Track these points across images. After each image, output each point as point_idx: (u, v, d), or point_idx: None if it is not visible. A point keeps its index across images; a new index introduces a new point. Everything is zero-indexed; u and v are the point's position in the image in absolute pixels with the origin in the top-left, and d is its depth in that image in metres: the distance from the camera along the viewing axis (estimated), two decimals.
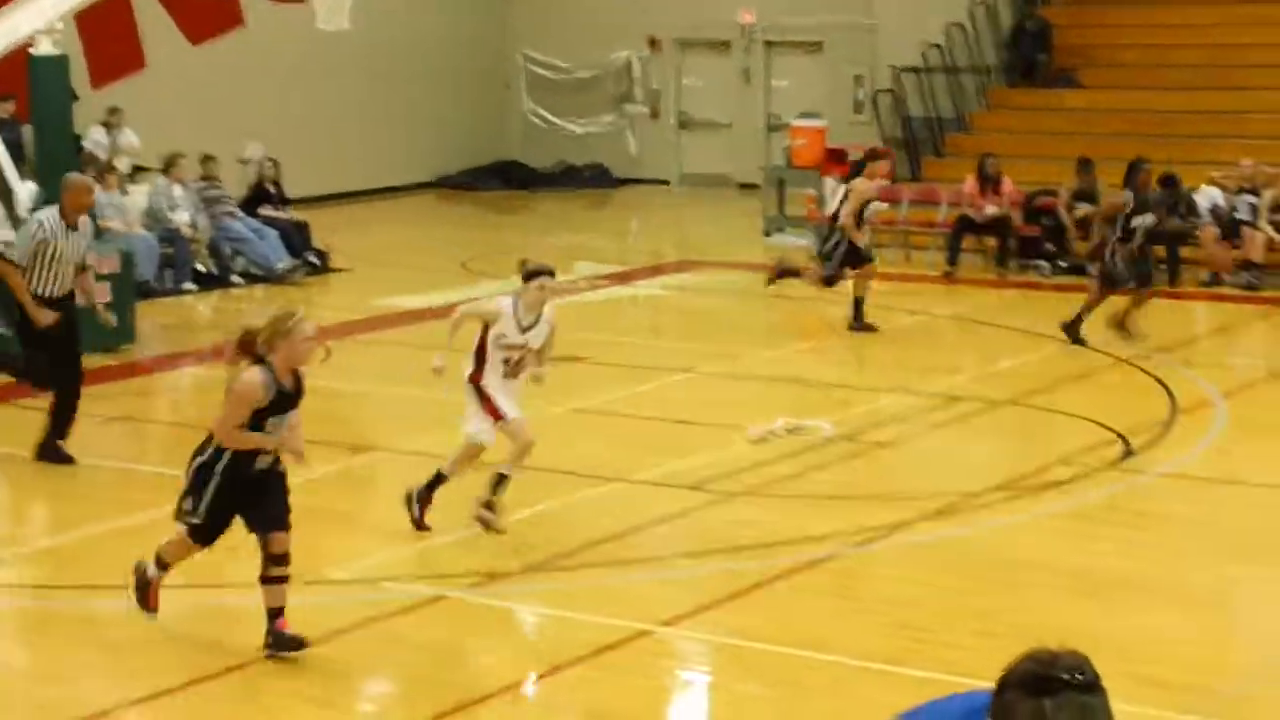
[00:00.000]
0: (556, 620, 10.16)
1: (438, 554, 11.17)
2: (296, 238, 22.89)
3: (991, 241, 22.97)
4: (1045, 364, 16.91)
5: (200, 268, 21.89)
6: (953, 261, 22.48)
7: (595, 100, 33.02)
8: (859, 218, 18.54)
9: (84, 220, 13.56)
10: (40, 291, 13.25)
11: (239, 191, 23.59)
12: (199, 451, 9.27)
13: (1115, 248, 17.17)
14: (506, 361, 11.09)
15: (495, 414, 11.10)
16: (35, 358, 13.40)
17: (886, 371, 16.96)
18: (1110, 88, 26.23)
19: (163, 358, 17.89)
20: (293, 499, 9.38)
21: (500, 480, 11.21)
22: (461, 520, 11.39)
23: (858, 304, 18.58)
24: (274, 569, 9.24)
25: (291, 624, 9.30)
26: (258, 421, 9.09)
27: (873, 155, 19.17)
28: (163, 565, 9.58)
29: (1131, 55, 26.72)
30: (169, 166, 21.85)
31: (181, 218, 21.60)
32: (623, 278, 22.89)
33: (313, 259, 22.78)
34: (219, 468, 9.15)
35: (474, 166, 32.61)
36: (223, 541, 9.48)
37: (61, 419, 13.35)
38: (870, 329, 18.46)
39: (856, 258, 18.60)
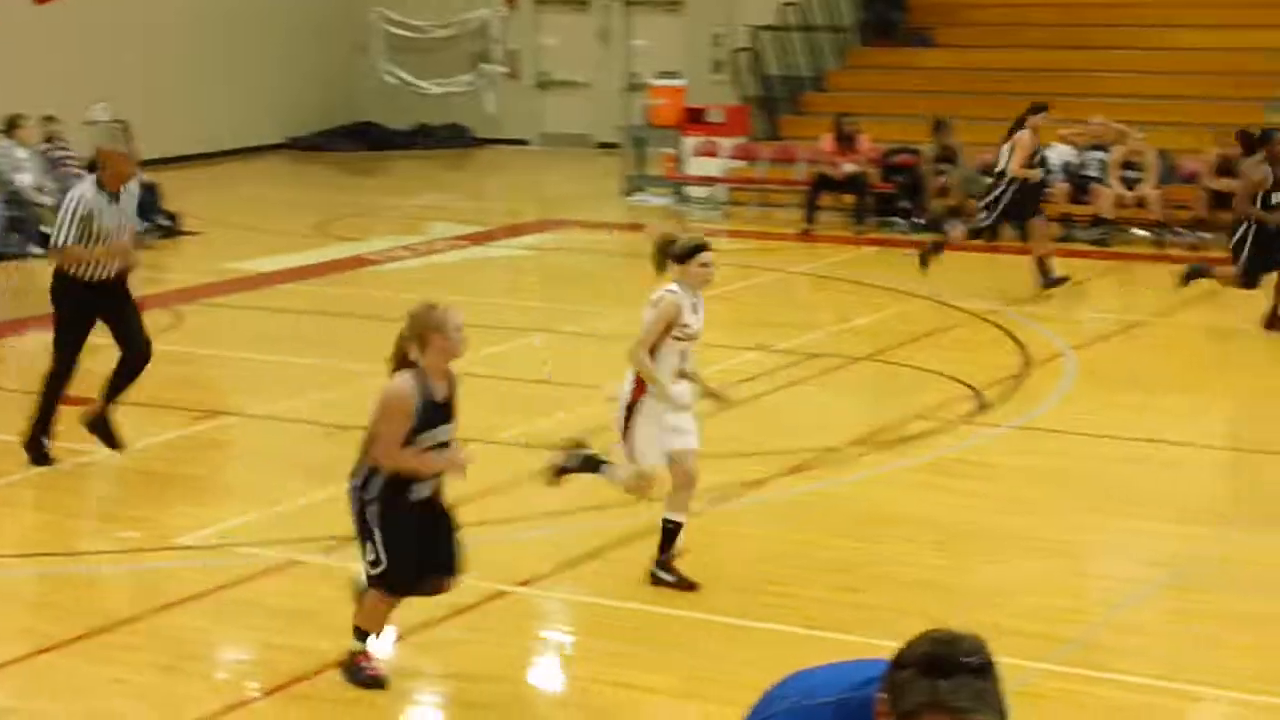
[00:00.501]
0: None
1: (291, 518, 11.03)
2: (146, 200, 22.48)
3: (848, 199, 23.06)
4: (902, 320, 17.00)
5: (46, 231, 21.45)
6: (810, 219, 22.54)
7: (452, 60, 32.76)
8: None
9: (128, 189, 12.04)
10: (86, 275, 11.78)
11: (87, 153, 23.12)
12: (352, 474, 8.23)
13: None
14: (682, 357, 9.62)
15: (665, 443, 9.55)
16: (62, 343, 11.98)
17: (745, 329, 16.97)
18: (965, 46, 26.40)
19: (7, 323, 17.53)
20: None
21: (673, 531, 9.72)
22: (316, 482, 11.26)
23: (1041, 262, 18.27)
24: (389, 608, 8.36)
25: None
26: (409, 439, 7.97)
27: (1035, 109, 18.87)
28: (364, 635, 8.43)
29: (986, 14, 26.94)
30: (11, 128, 21.40)
31: (26, 180, 21.18)
32: (481, 238, 22.75)
33: (163, 221, 22.40)
34: (375, 492, 8.06)
35: (329, 128, 32.25)
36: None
37: (44, 416, 12.02)
38: (1060, 282, 18.15)
39: (1020, 210, 18.36)
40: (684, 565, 9.74)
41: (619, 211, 24.80)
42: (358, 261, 20.59)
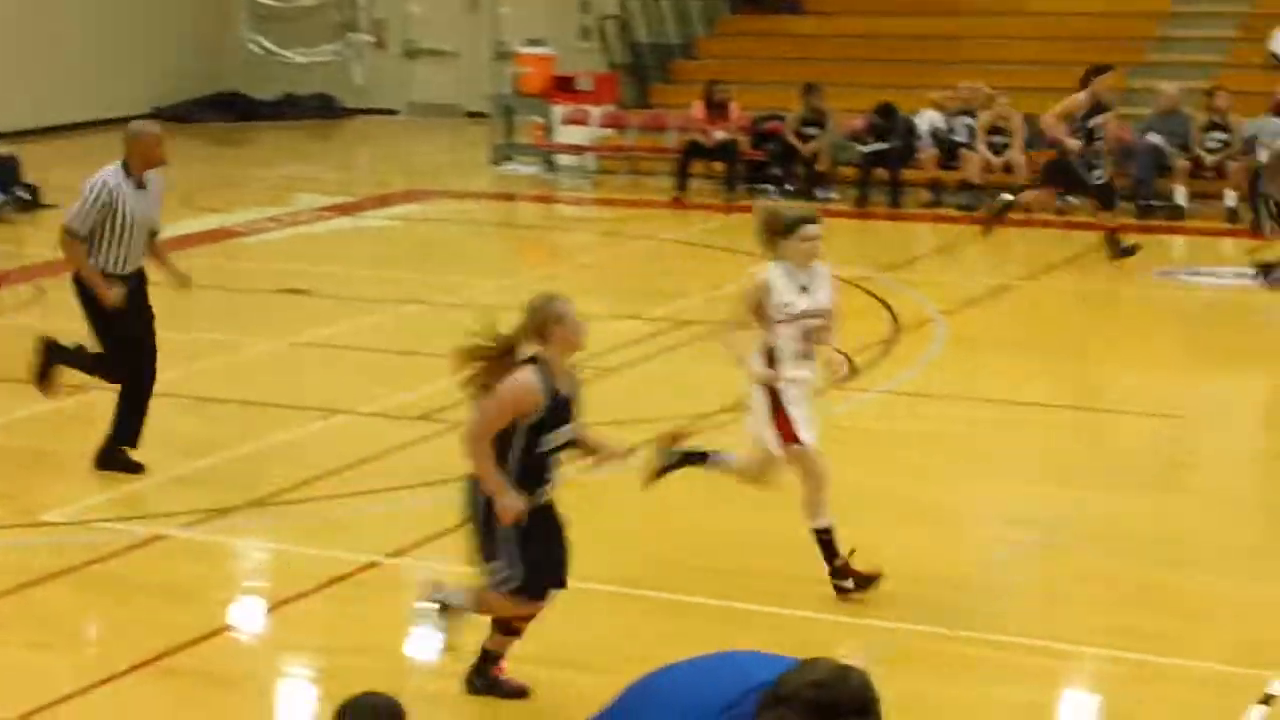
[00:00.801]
0: (283, 554, 9.99)
1: (157, 493, 10.90)
2: (4, 172, 22.13)
3: (719, 167, 23.09)
4: None
5: None
6: (681, 187, 22.55)
7: (318, 29, 32.43)
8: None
9: (155, 177, 11.21)
10: (107, 266, 10.94)
11: None
12: (468, 484, 7.67)
13: None
14: (804, 337, 8.96)
15: (788, 433, 8.98)
16: (112, 348, 11.16)
17: (616, 297, 16.97)
18: (833, 13, 26.47)
19: None
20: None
21: (828, 539, 9.10)
22: (181, 456, 11.13)
23: (1111, 233, 18.15)
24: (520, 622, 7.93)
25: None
26: (534, 438, 7.46)
27: (1098, 70, 18.59)
28: (494, 658, 7.97)
29: None
30: None
31: None
32: (349, 209, 22.57)
33: (22, 194, 22.01)
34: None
35: (193, 98, 31.80)
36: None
37: (127, 421, 11.15)
38: (1131, 251, 17.99)
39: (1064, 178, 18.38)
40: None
41: (488, 181, 24.69)
42: (224, 233, 20.36)
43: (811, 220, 8.88)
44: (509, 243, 21.55)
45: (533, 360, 7.45)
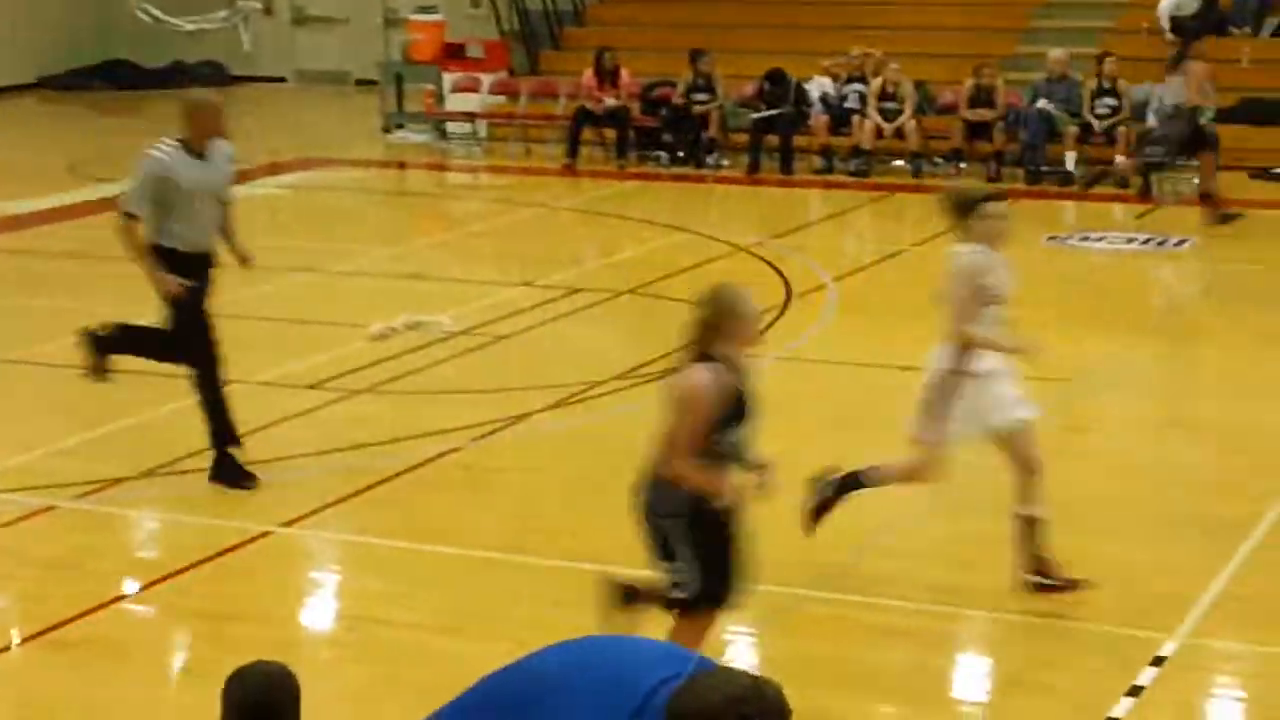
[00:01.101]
0: (175, 525, 9.94)
1: (46, 464, 10.79)
2: None
3: (610, 133, 23.05)
4: (665, 253, 17.06)
5: None
6: (572, 154, 22.50)
7: None
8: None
9: (220, 147, 10.52)
10: (174, 244, 10.26)
11: None
12: (643, 488, 7.18)
13: None
14: (997, 320, 8.65)
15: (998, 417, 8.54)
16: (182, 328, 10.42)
17: (508, 265, 16.95)
18: None
19: None
20: None
21: (1032, 526, 8.68)
22: (74, 426, 11.02)
23: (1210, 198, 18.13)
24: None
25: None
26: (712, 437, 7.01)
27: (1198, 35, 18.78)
28: (649, 596, 7.48)
29: None
30: None
31: None
32: (240, 177, 22.21)
33: None
34: (676, 506, 7.05)
35: (80, 66, 31.40)
36: None
37: (216, 425, 10.38)
38: (1235, 217, 18.05)
39: (1199, 142, 18.37)
40: (447, 503, 9.70)
41: (379, 149, 24.54)
42: (113, 203, 20.06)
43: (999, 198, 8.53)
44: (400, 211, 21.44)
45: (708, 357, 7.02)
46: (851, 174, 21.45)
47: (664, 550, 7.10)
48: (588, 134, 22.88)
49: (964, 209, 8.52)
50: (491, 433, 11.23)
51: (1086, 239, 17.97)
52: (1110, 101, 20.80)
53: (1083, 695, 7.22)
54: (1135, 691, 7.68)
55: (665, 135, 22.69)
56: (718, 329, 7.02)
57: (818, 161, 22.01)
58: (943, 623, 8.56)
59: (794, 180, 21.40)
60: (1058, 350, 13.56)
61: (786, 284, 15.46)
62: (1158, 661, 8.00)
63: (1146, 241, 17.69)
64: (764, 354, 13.20)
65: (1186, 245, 17.47)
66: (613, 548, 9.27)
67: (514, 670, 4.18)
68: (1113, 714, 7.45)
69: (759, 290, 15.02)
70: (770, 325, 14.05)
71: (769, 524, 9.39)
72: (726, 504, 7.01)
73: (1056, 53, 21.47)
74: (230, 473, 10.28)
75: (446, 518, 9.76)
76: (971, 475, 10.50)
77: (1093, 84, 20.98)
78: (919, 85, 21.92)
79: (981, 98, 21.22)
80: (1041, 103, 20.95)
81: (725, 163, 22.15)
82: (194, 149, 10.31)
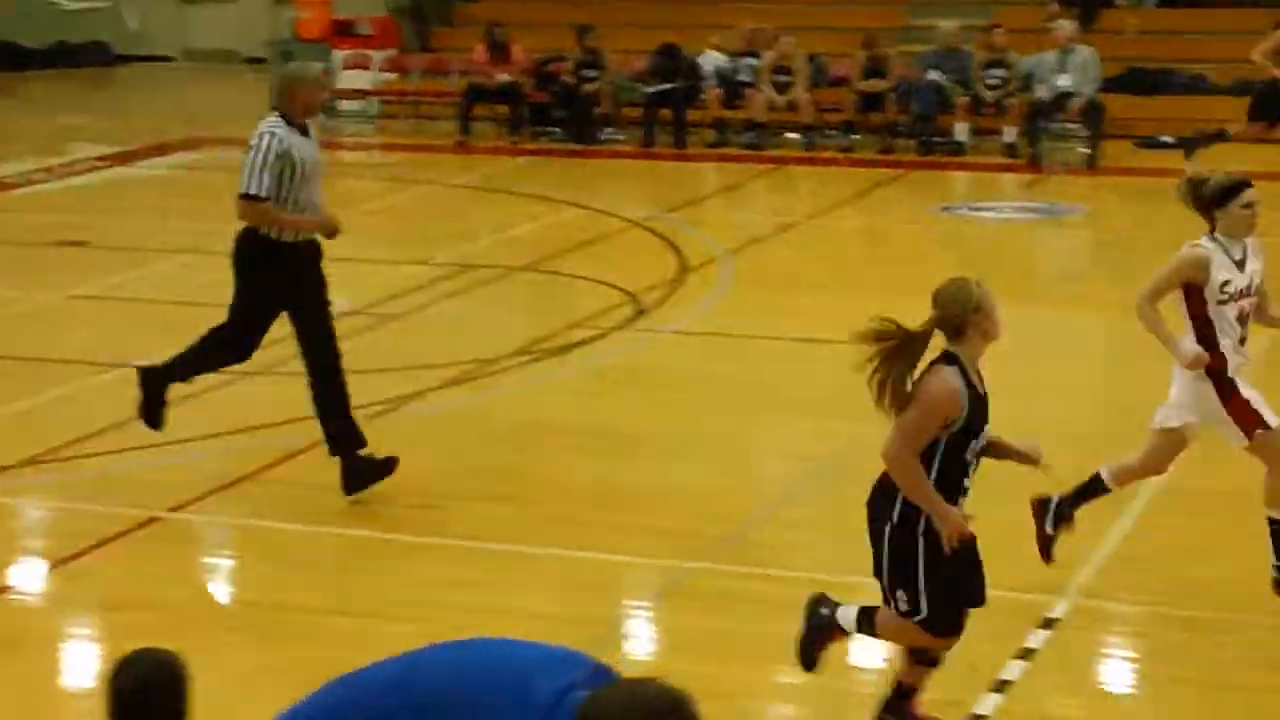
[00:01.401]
0: (63, 512, 9.78)
1: None
2: None
3: (503, 109, 22.93)
4: (559, 229, 17.00)
5: None
6: (465, 130, 22.38)
7: None
8: None
9: (314, 125, 9.85)
10: (287, 232, 9.50)
11: None
12: (876, 501, 6.65)
13: None
14: (1240, 320, 8.05)
15: (1250, 419, 7.98)
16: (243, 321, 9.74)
17: (401, 242, 16.82)
18: None
19: None
20: None
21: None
22: None
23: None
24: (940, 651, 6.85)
25: None
26: (957, 445, 6.50)
27: None
28: (908, 692, 6.91)
29: None
30: None
31: None
32: (126, 158, 22.07)
33: None
34: (920, 527, 6.49)
35: None
36: None
37: (334, 428, 9.67)
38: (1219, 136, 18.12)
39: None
40: (339, 484, 9.57)
41: None
42: None
43: (1247, 186, 8.03)
44: None
45: (948, 356, 6.57)
46: (745, 147, 21.44)
47: (890, 565, 6.59)
48: (480, 110, 22.76)
49: (1216, 199, 8.00)
50: (384, 412, 11.11)
51: (977, 208, 18.04)
52: (999, 73, 20.89)
53: (973, 658, 7.19)
54: (1026, 654, 7.69)
55: (557, 111, 22.60)
56: (959, 326, 6.55)
57: (711, 135, 22.00)
58: (839, 593, 8.53)
59: (688, 154, 21.38)
60: None
61: (681, 258, 15.43)
62: (1048, 624, 8.02)
63: (1035, 210, 17.81)
64: (660, 327, 13.19)
65: (1076, 213, 17.58)
66: (510, 527, 9.22)
67: (395, 680, 4.00)
68: (1004, 676, 7.46)
69: (653, 266, 15.06)
70: (665, 299, 14.02)
71: (662, 496, 9.38)
72: (956, 542, 6.45)
73: (947, 25, 21.55)
74: (369, 471, 9.59)
75: (338, 499, 9.63)
76: (867, 445, 10.51)
77: (982, 56, 21.07)
78: (812, 58, 21.93)
79: (874, 70, 21.26)
80: (933, 74, 21.01)
81: (621, 137, 22.08)
82: (299, 124, 9.54)
